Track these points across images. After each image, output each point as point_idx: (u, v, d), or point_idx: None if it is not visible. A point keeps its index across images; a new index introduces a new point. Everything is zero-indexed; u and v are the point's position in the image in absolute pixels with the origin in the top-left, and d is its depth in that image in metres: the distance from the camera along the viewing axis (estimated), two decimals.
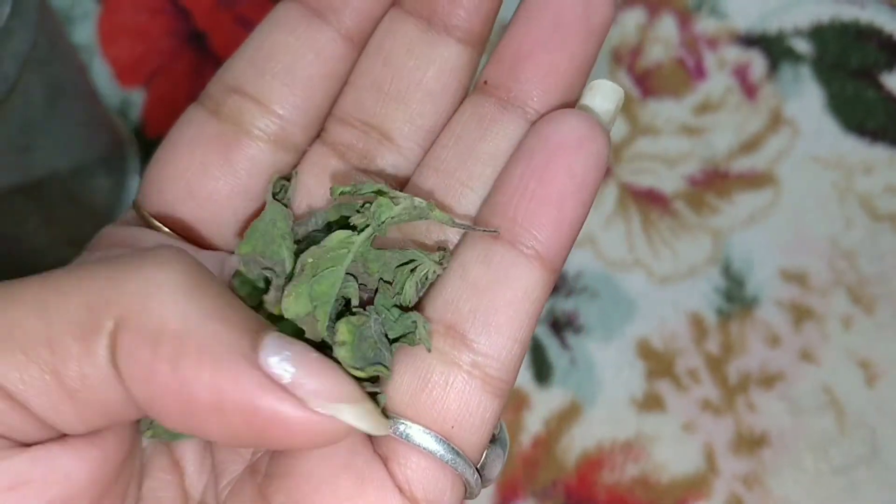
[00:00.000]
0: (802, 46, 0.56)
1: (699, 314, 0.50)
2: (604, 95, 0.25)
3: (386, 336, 0.23)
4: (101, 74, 0.57)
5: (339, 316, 0.23)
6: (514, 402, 0.48)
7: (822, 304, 0.50)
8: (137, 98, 0.56)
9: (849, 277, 0.50)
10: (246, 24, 0.57)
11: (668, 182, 0.53)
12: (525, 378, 0.49)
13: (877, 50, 0.56)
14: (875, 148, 0.54)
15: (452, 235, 0.25)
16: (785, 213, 0.52)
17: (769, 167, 0.53)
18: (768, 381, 0.49)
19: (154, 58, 0.58)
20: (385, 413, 0.22)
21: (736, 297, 0.50)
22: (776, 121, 0.54)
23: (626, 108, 0.55)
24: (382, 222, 0.24)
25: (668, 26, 0.56)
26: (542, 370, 0.49)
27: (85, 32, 0.58)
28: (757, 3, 0.57)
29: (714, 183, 0.53)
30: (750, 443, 0.48)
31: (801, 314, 0.50)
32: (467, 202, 0.25)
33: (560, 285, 0.51)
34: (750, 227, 0.52)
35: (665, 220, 0.52)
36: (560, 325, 0.50)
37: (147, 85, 0.57)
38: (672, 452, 0.48)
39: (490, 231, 0.23)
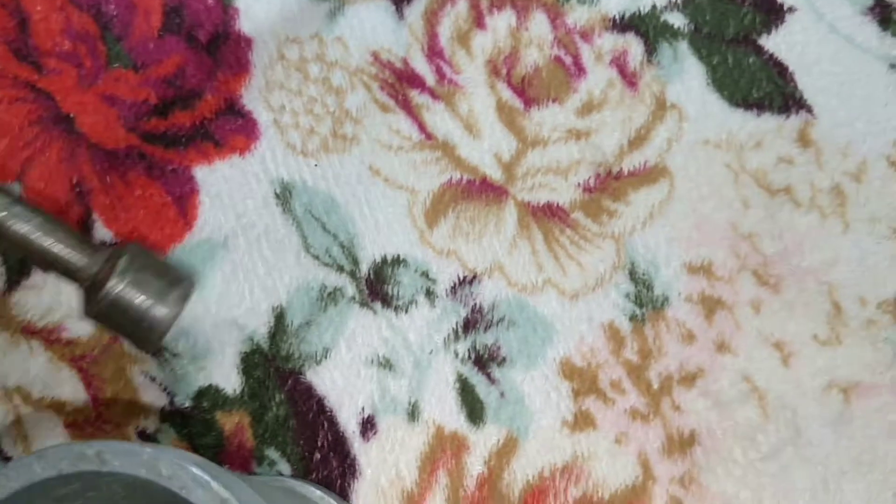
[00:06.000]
0: (678, 20, 0.64)
1: (614, 324, 0.59)
2: None
3: None
4: None
5: None
6: (453, 448, 0.57)
7: (730, 292, 0.59)
8: (13, 191, 0.63)
9: (752, 260, 0.59)
10: (114, 103, 0.64)
11: (564, 193, 0.61)
12: (459, 421, 0.58)
13: (753, 10, 0.64)
14: (763, 118, 0.61)
15: None
16: (682, 205, 0.60)
17: (660, 159, 0.61)
18: (689, 379, 0.58)
19: (21, 149, 0.64)
20: None
21: (646, 300, 0.59)
22: (661, 108, 0.62)
23: (511, 121, 0.62)
24: None
25: (539, 24, 0.63)
26: (474, 410, 0.58)
27: None
28: None
29: (608, 186, 0.61)
30: (681, 444, 0.57)
31: (711, 306, 0.59)
32: None
33: (478, 319, 0.59)
34: (650, 226, 0.60)
35: (567, 234, 0.60)
36: (483, 361, 0.59)
37: (21, 178, 0.64)
38: (609, 467, 0.57)
39: None
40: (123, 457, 0.41)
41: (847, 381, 0.57)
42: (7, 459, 0.58)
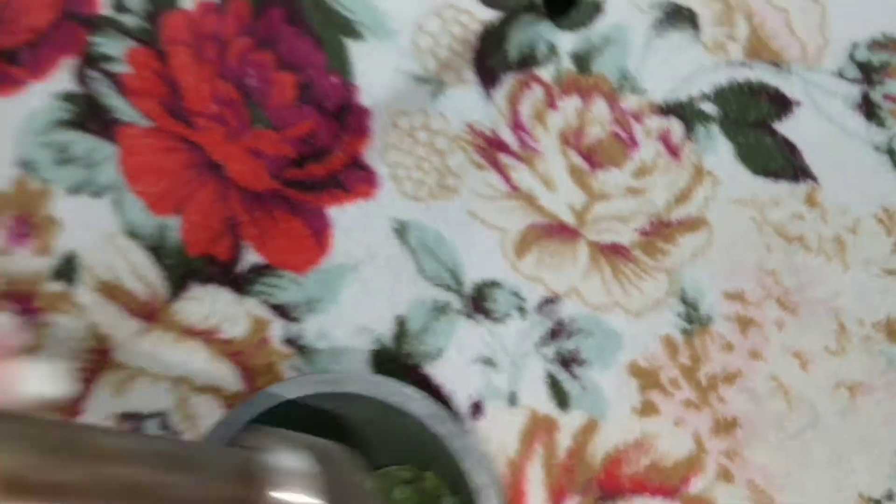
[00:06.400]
0: (710, 108, 0.82)
1: (670, 336, 0.75)
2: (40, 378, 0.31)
3: None
4: (135, 206, 0.78)
5: None
6: (546, 427, 0.73)
7: (760, 314, 0.76)
8: (174, 222, 0.78)
9: (776, 291, 0.76)
10: (259, 155, 0.80)
11: (625, 236, 0.78)
12: (550, 407, 0.73)
13: (768, 103, 0.82)
14: (779, 184, 0.79)
15: None
16: (719, 248, 0.77)
17: (700, 213, 0.79)
18: (730, 378, 0.74)
19: (180, 188, 0.79)
20: None
21: (694, 319, 0.76)
22: (699, 174, 0.80)
23: (581, 180, 0.79)
24: None
25: (600, 107, 0.81)
26: (561, 398, 0.73)
27: (109, 173, 0.78)
28: (668, 76, 0.82)
29: (660, 232, 0.78)
30: (726, 426, 0.73)
31: (745, 324, 0.76)
32: None
33: (561, 330, 0.75)
34: (695, 263, 0.77)
35: (629, 267, 0.77)
36: (567, 362, 0.75)
37: (180, 211, 0.78)
38: (670, 443, 0.73)
39: None
40: (355, 382, 0.56)
41: (852, 381, 0.74)
42: (175, 434, 0.72)
